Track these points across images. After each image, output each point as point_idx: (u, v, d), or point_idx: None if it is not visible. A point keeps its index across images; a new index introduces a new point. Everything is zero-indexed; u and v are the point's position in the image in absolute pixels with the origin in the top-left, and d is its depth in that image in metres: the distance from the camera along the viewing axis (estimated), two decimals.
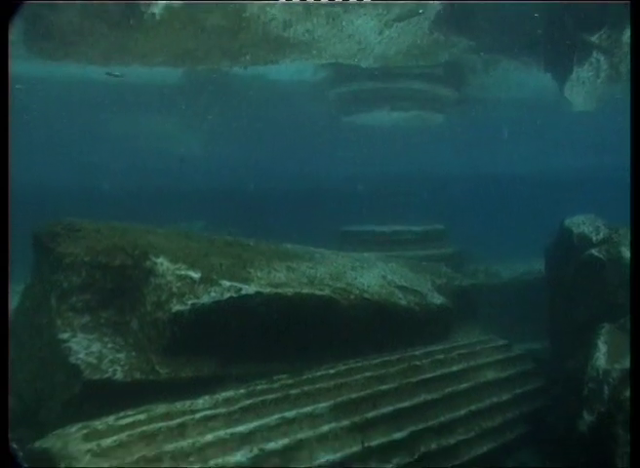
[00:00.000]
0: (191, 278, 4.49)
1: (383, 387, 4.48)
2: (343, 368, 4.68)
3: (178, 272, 4.54)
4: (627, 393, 3.48)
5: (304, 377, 4.43)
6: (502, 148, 19.02)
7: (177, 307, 4.31)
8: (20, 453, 2.66)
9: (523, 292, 8.56)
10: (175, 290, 4.41)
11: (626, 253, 5.41)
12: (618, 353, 3.80)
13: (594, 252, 5.48)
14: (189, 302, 4.34)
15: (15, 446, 2.18)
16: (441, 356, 5.22)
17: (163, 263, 4.61)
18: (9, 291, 3.12)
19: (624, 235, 5.82)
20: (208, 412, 3.70)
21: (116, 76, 9.15)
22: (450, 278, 7.20)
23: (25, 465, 1.97)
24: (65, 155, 18.44)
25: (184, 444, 3.38)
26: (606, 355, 3.88)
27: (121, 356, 4.20)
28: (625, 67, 8.59)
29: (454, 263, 8.86)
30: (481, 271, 9.56)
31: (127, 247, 4.69)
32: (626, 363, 3.60)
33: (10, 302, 3.31)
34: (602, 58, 8.65)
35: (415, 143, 16.62)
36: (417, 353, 5.20)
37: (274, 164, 20.90)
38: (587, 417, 3.61)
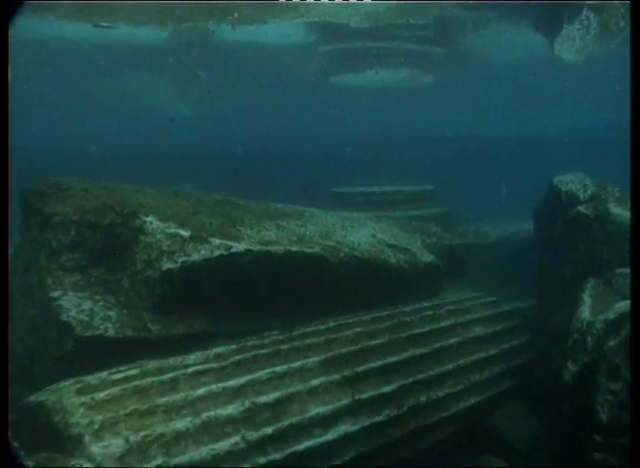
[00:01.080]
0: (181, 236, 4.50)
1: (373, 342, 4.55)
2: (334, 324, 4.74)
3: (167, 230, 4.54)
4: (610, 343, 3.56)
5: (295, 333, 4.48)
6: (493, 108, 18.95)
7: (167, 265, 4.32)
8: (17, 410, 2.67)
9: (512, 252, 8.64)
10: (165, 248, 4.42)
11: (613, 209, 5.46)
12: (601, 306, 3.87)
13: (581, 208, 5.52)
14: (179, 260, 4.35)
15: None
16: (430, 312, 5.29)
17: (152, 222, 4.60)
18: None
19: (612, 192, 5.87)
20: (199, 367, 3.75)
21: (104, 27, 8.96)
22: (439, 237, 7.25)
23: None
24: (52, 117, 18.17)
25: (177, 397, 3.44)
26: (590, 307, 3.95)
27: (112, 314, 4.23)
28: (615, 24, 8.55)
29: (443, 223, 8.88)
30: (471, 231, 9.61)
31: (116, 206, 4.68)
32: (610, 314, 3.67)
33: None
34: (592, 16, 8.59)
35: (404, 104, 16.52)
36: (406, 309, 5.27)
37: (264, 126, 20.73)
38: (571, 367, 3.69)
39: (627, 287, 4.28)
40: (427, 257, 6.16)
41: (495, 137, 20.18)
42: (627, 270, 4.56)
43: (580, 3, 8.37)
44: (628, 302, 3.68)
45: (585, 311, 3.90)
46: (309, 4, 8.62)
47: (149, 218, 4.63)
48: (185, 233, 4.53)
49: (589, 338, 3.66)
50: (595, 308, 3.92)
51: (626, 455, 3.43)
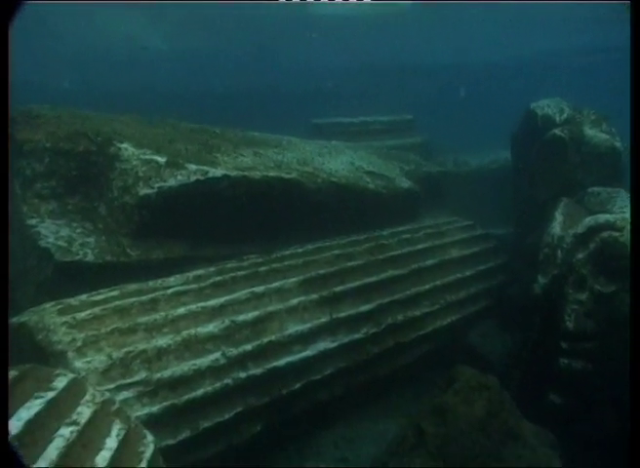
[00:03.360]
0: (157, 162, 4.47)
1: (351, 264, 4.64)
2: (312, 247, 4.81)
3: (143, 156, 4.51)
4: (579, 256, 3.67)
5: (273, 256, 4.55)
6: (471, 37, 18.55)
7: (144, 191, 4.32)
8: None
9: (491, 180, 8.66)
10: (141, 174, 4.40)
11: (588, 131, 5.49)
12: (572, 222, 3.96)
13: (557, 131, 5.54)
14: (156, 185, 4.34)
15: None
16: (408, 236, 5.38)
17: (128, 149, 4.56)
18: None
19: (587, 115, 5.88)
20: (179, 288, 3.81)
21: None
22: (418, 165, 7.27)
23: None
24: (22, 51, 17.56)
25: (157, 316, 3.51)
26: (561, 224, 4.03)
27: (91, 240, 4.24)
28: None
29: (422, 153, 8.89)
30: (450, 160, 9.61)
31: (90, 133, 4.62)
32: (579, 228, 3.76)
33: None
34: None
35: (383, 33, 16.16)
36: (384, 233, 5.35)
37: (243, 60, 20.24)
38: (542, 280, 3.81)
39: (598, 204, 4.38)
40: (405, 183, 6.20)
41: (475, 65, 19.87)
42: (599, 189, 4.66)
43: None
44: (597, 216, 3.77)
45: (556, 227, 3.99)
46: None
47: (124, 145, 4.59)
48: (161, 159, 4.50)
49: (559, 252, 3.77)
50: (566, 224, 4.01)
51: (589, 360, 3.61)
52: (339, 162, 6.04)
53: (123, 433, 2.39)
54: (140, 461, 2.40)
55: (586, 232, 3.71)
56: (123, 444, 2.36)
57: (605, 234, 3.64)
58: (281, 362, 3.74)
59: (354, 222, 5.48)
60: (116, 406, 2.54)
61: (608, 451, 3.71)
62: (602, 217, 3.73)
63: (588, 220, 3.75)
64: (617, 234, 3.61)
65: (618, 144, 5.33)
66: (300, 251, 4.69)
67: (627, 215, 3.74)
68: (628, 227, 3.64)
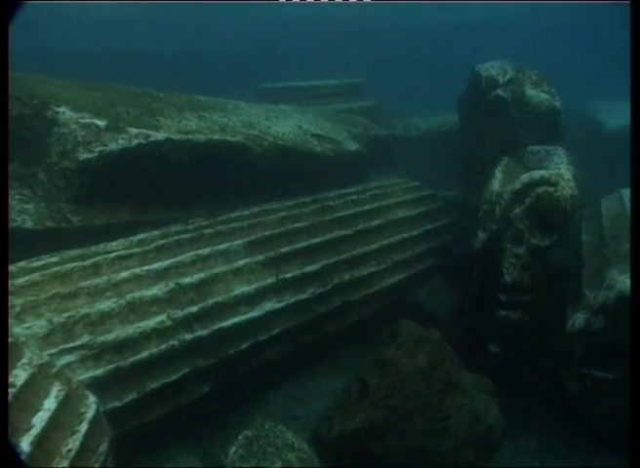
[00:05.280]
0: (97, 126, 4.37)
1: (297, 225, 4.66)
2: (258, 209, 4.81)
3: (82, 121, 4.39)
4: (516, 211, 3.78)
5: (219, 219, 4.54)
6: None
7: (83, 155, 4.22)
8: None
9: (440, 143, 8.72)
10: (80, 138, 4.29)
11: (529, 91, 5.58)
12: (511, 179, 4.06)
13: (499, 91, 5.61)
14: (96, 150, 4.25)
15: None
16: (354, 197, 5.42)
17: (65, 112, 4.43)
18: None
19: (529, 76, 5.96)
20: (122, 252, 3.78)
21: None
22: (366, 128, 7.28)
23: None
24: None
25: (100, 281, 3.48)
26: (500, 181, 4.12)
27: (29, 207, 4.14)
28: None
29: (372, 116, 8.88)
30: (400, 123, 9.64)
31: (24, 96, 4.45)
32: (516, 185, 3.86)
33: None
34: None
35: None
36: (331, 195, 5.38)
37: (190, 24, 19.73)
38: (481, 236, 3.91)
39: (536, 162, 4.49)
40: (353, 146, 6.22)
41: (422, 28, 19.80)
42: (538, 147, 4.77)
43: None
44: (533, 173, 3.88)
45: (495, 184, 4.08)
46: None
47: (62, 109, 4.45)
48: (101, 123, 4.40)
49: (497, 208, 3.86)
50: (505, 181, 4.10)
51: (526, 311, 3.75)
52: (286, 125, 6.01)
53: (62, 394, 2.39)
54: (82, 422, 2.41)
55: (523, 188, 3.81)
56: (63, 405, 2.36)
57: (540, 190, 3.74)
58: (227, 323, 3.77)
59: (302, 185, 5.49)
60: (55, 368, 2.53)
61: (545, 397, 3.89)
62: (537, 174, 3.83)
63: (525, 177, 3.85)
64: (551, 189, 3.71)
65: (557, 104, 5.44)
66: (246, 213, 4.69)
67: (562, 171, 3.86)
68: (562, 183, 3.75)
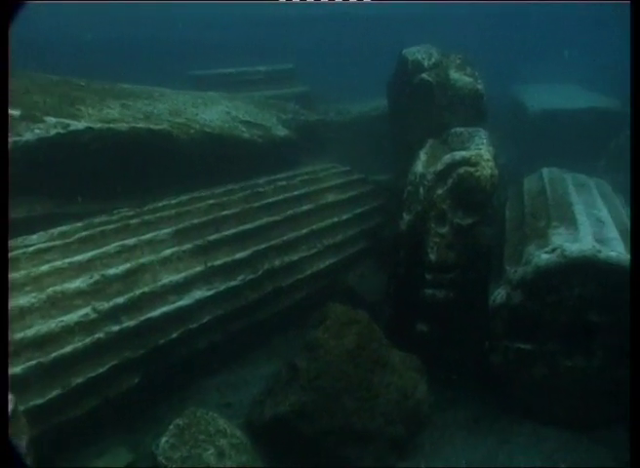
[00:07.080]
0: (10, 115, 4.20)
1: (226, 212, 4.63)
2: (186, 198, 4.75)
3: None
4: (439, 191, 3.86)
5: (145, 209, 4.46)
6: None
7: None
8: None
9: (372, 127, 8.79)
10: None
11: (453, 75, 5.68)
12: (434, 160, 4.13)
13: (425, 75, 5.69)
14: (11, 141, 4.09)
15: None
16: (284, 183, 5.41)
17: None
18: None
19: (453, 60, 6.08)
20: (42, 246, 3.67)
21: None
22: (296, 113, 7.27)
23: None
24: None
25: (17, 275, 3.38)
26: (424, 162, 4.20)
27: None
28: None
29: (304, 102, 8.87)
30: (331, 110, 9.67)
31: None
32: (438, 166, 3.94)
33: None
34: None
35: None
36: (260, 181, 5.35)
37: (116, 11, 19.14)
38: (406, 217, 3.98)
39: (459, 143, 4.59)
40: (282, 132, 6.21)
41: (355, 15, 19.84)
42: (461, 129, 4.87)
43: None
44: (454, 153, 3.96)
45: (419, 165, 4.15)
46: None
47: None
48: (15, 112, 4.23)
49: (421, 189, 3.94)
50: (429, 163, 4.18)
51: (451, 289, 3.86)
52: (213, 112, 5.93)
53: None
54: None
55: (445, 169, 3.90)
56: None
57: (461, 170, 3.83)
58: (156, 312, 3.72)
59: (231, 172, 5.43)
60: None
61: (471, 371, 4.02)
62: (459, 154, 3.92)
63: (447, 158, 3.94)
64: (472, 169, 3.81)
65: (480, 87, 5.56)
66: (173, 202, 4.63)
67: (482, 152, 3.96)
68: (482, 163, 3.86)
